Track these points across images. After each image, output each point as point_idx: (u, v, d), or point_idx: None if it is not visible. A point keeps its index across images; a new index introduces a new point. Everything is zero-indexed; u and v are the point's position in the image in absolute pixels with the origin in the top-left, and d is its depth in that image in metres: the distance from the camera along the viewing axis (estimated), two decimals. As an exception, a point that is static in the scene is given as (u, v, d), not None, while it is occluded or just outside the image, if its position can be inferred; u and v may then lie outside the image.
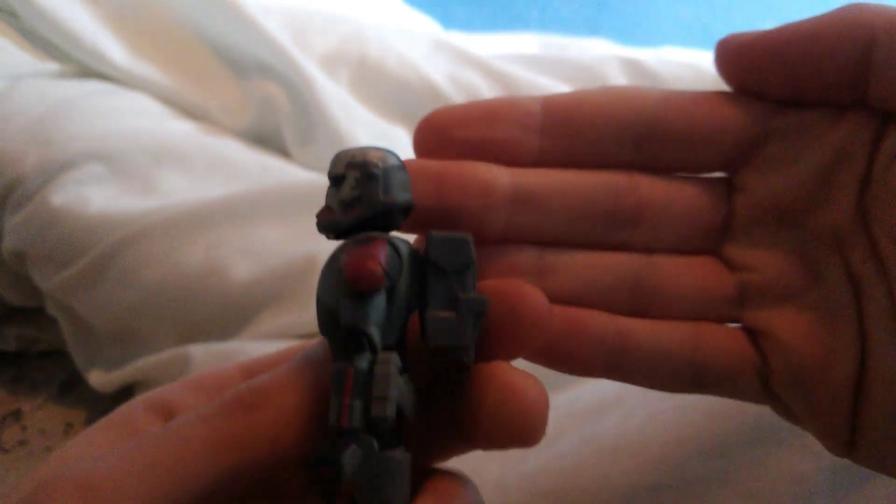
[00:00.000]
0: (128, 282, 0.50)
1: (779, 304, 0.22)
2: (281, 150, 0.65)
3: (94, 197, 0.53)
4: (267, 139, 0.65)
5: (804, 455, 0.30)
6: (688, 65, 0.71)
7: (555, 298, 0.21)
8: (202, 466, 0.17)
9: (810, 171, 0.21)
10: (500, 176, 0.21)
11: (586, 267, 0.22)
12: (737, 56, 0.21)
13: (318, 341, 0.20)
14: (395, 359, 0.17)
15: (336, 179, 0.18)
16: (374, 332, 0.17)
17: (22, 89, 0.59)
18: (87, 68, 0.64)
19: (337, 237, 0.19)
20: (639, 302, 0.22)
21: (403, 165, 0.19)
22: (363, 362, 0.17)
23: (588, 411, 0.35)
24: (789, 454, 0.30)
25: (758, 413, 0.27)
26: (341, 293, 0.17)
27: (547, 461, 0.33)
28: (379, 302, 0.17)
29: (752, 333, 0.22)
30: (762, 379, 0.22)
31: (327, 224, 0.18)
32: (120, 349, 0.52)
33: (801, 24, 0.20)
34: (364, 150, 0.19)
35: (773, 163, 0.21)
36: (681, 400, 0.33)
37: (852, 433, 0.21)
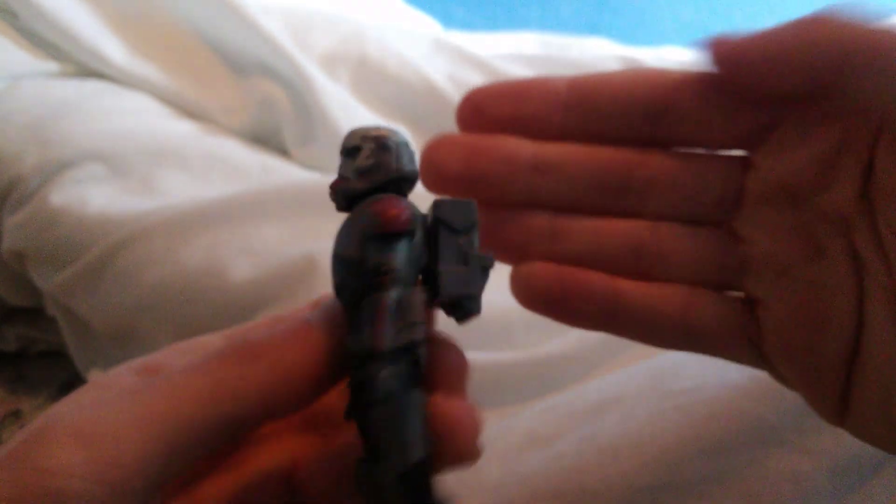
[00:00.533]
0: (127, 282, 0.50)
1: (778, 276, 0.23)
2: (280, 150, 0.65)
3: (93, 197, 0.53)
4: (267, 139, 0.65)
5: (804, 455, 0.30)
6: (688, 64, 0.72)
7: (563, 259, 0.24)
8: (199, 414, 0.17)
9: (818, 155, 0.22)
10: (523, 147, 0.23)
11: (594, 232, 0.24)
12: (730, 57, 0.22)
13: (319, 308, 0.20)
14: (420, 292, 0.19)
15: (351, 151, 0.21)
16: (402, 268, 0.19)
17: (21, 89, 0.60)
18: (86, 68, 0.64)
19: (349, 205, 0.20)
20: (642, 265, 0.24)
21: (408, 143, 0.21)
22: (393, 293, 0.18)
23: (588, 411, 0.35)
24: (789, 454, 0.30)
25: (758, 413, 0.27)
26: (369, 239, 0.19)
27: (547, 461, 0.33)
28: (403, 245, 0.19)
29: (748, 302, 0.23)
30: (754, 345, 0.23)
31: (343, 191, 0.20)
32: (119, 349, 0.52)
33: (778, 31, 0.21)
34: (377, 126, 0.21)
35: (785, 144, 0.22)
36: (681, 400, 0.33)
37: (844, 403, 0.22)
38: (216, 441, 0.18)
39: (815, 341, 0.22)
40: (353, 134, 0.21)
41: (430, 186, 0.24)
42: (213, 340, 0.23)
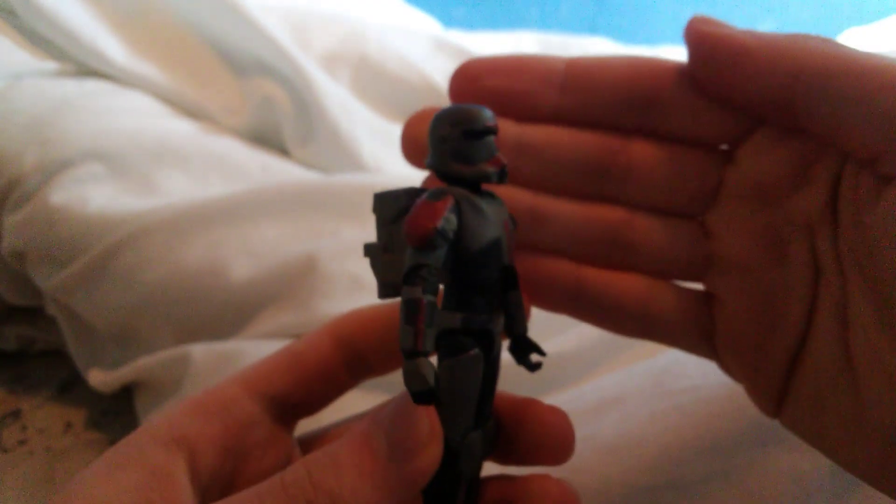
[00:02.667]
0: (127, 281, 0.50)
1: (741, 276, 0.23)
2: (280, 149, 0.65)
3: (93, 196, 0.53)
4: (267, 138, 0.65)
5: (803, 454, 0.30)
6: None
7: (544, 247, 0.25)
8: None
9: (795, 158, 0.22)
10: (508, 128, 0.24)
11: (572, 216, 0.24)
12: (702, 45, 0.22)
13: (382, 420, 0.20)
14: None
15: (484, 133, 0.20)
16: (431, 274, 0.19)
17: (21, 88, 0.59)
18: (86, 67, 0.64)
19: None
20: (613, 255, 0.25)
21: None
22: (430, 296, 0.19)
23: (588, 411, 0.35)
24: (789, 454, 0.30)
25: (757, 413, 0.27)
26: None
27: (547, 461, 0.33)
28: (429, 253, 0.19)
29: (706, 297, 0.24)
30: (706, 337, 0.24)
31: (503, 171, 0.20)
32: (119, 349, 0.52)
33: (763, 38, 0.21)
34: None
35: (766, 143, 0.22)
36: (681, 400, 0.33)
37: (781, 398, 0.23)
38: None
39: (764, 341, 0.23)
40: (482, 114, 0.20)
41: (409, 159, 0.24)
42: (233, 395, 0.23)
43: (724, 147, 0.24)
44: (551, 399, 0.37)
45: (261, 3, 0.65)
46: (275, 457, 0.24)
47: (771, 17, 1.30)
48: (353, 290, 0.47)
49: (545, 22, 1.35)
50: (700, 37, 0.22)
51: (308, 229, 0.50)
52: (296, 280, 0.49)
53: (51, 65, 0.64)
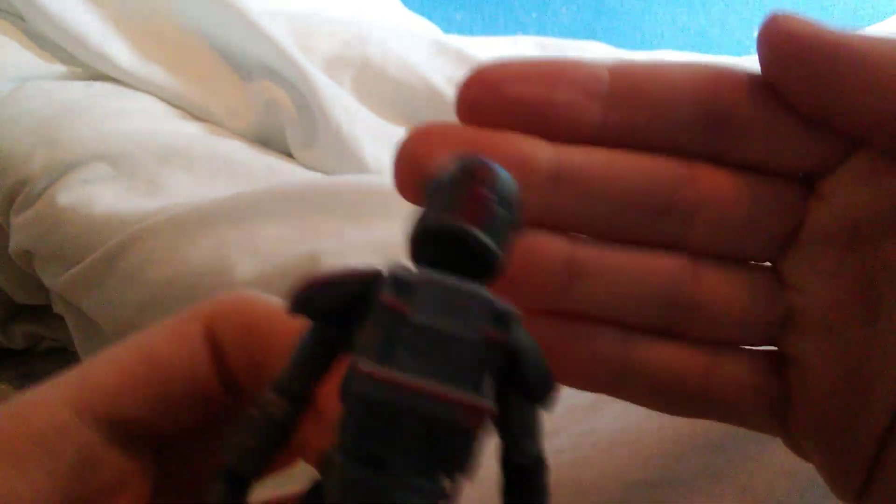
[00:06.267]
0: (133, 281, 0.51)
1: (825, 335, 0.19)
2: (284, 152, 0.65)
3: (100, 197, 0.54)
4: (270, 141, 0.66)
5: (798, 451, 0.30)
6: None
7: (580, 308, 0.19)
8: None
9: (895, 194, 0.18)
10: (542, 151, 0.18)
11: (621, 272, 0.19)
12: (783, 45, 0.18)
13: None
14: None
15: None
16: None
17: (29, 91, 0.60)
18: (93, 70, 0.65)
19: None
20: (671, 318, 0.19)
21: None
22: None
23: (586, 407, 0.35)
24: (784, 449, 0.30)
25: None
26: None
27: (545, 456, 0.34)
28: None
29: (780, 360, 0.20)
30: (777, 412, 0.20)
31: None
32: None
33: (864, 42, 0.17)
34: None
35: (864, 172, 0.18)
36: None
37: (865, 485, 0.19)
38: None
39: (852, 416, 0.19)
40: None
41: (405, 195, 0.18)
42: (64, 425, 0.17)
43: (806, 176, 0.19)
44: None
45: (265, 8, 0.66)
46: (130, 501, 0.18)
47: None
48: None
49: (544, 26, 1.35)
50: (791, 40, 0.17)
51: (311, 230, 0.50)
52: (299, 279, 0.49)
53: (58, 68, 0.65)
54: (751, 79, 0.18)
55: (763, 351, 0.20)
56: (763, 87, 0.18)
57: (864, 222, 0.18)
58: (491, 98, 0.18)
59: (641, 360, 0.19)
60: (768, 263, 0.20)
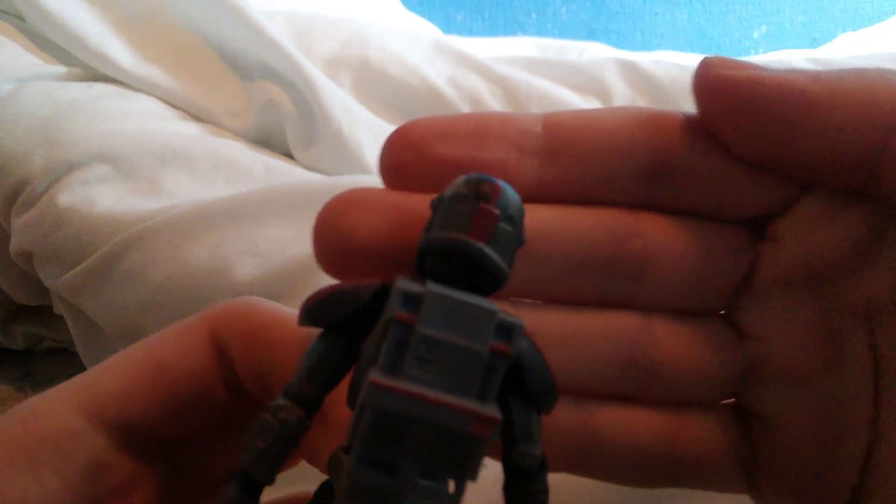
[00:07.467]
0: (134, 281, 0.51)
1: (789, 385, 0.18)
2: (284, 153, 0.66)
3: (100, 197, 0.54)
4: (270, 141, 0.66)
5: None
6: (684, 67, 0.73)
7: None
8: None
9: (852, 232, 0.17)
10: None
11: (571, 336, 0.18)
12: (717, 92, 0.17)
13: None
14: None
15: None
16: None
17: (29, 92, 0.60)
18: (93, 71, 0.65)
19: None
20: (630, 381, 0.18)
21: None
22: None
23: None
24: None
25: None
26: None
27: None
28: None
29: (744, 416, 0.19)
30: (745, 469, 0.19)
31: None
32: (126, 347, 0.52)
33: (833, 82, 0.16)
34: None
35: (817, 213, 0.17)
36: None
37: None
38: None
39: (824, 467, 0.18)
40: None
41: (327, 267, 0.17)
42: (75, 431, 0.17)
43: (756, 220, 0.18)
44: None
45: (265, 8, 0.66)
46: (139, 503, 0.18)
47: (764, 23, 1.31)
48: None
49: (544, 27, 1.36)
50: (727, 86, 0.16)
51: (311, 230, 0.50)
52: (299, 280, 0.49)
53: (58, 69, 0.65)
54: (690, 123, 0.17)
55: (728, 406, 0.19)
56: (704, 131, 0.17)
57: (820, 263, 0.18)
58: (415, 160, 0.17)
59: (601, 430, 0.18)
60: (723, 312, 0.19)
